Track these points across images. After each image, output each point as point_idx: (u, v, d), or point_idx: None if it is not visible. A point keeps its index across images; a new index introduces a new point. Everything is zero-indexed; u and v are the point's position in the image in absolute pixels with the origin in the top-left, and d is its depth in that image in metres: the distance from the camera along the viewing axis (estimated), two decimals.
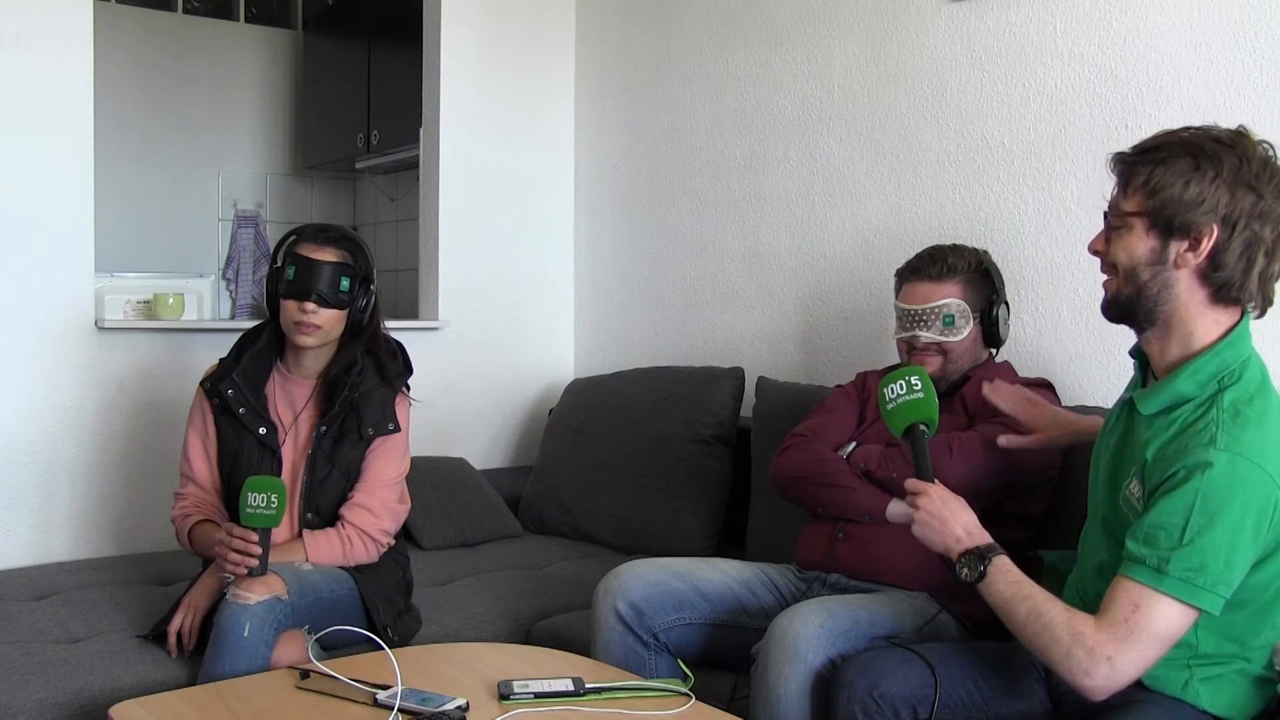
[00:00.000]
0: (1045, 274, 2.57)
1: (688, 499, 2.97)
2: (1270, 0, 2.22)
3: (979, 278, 2.30)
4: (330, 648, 2.17)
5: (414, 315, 3.79)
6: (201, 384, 2.35)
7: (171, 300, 3.37)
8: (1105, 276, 1.70)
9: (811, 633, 1.82)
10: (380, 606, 2.25)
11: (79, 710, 2.03)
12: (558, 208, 3.85)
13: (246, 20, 5.42)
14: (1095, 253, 1.71)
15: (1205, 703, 1.60)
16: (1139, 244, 1.63)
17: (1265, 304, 1.63)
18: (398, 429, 2.33)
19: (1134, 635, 1.50)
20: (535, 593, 2.66)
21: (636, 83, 3.64)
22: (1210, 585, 1.49)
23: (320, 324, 2.24)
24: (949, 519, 1.72)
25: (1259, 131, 2.23)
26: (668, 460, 3.02)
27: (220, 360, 2.36)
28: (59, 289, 2.92)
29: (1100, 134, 2.46)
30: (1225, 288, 1.59)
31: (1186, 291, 1.61)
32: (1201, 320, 1.62)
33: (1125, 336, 2.41)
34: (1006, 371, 2.34)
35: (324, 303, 2.22)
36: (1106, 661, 1.49)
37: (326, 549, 2.24)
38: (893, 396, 1.86)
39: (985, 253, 2.36)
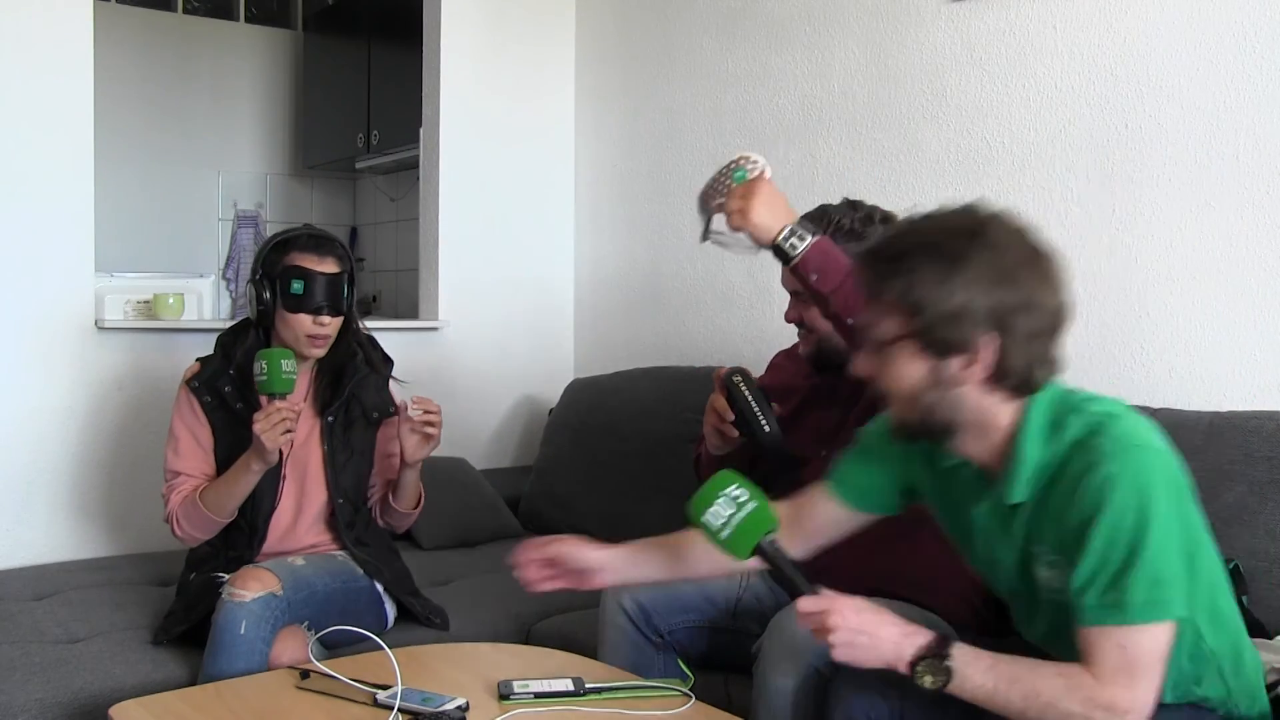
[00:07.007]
0: None
1: (688, 499, 2.96)
2: (1270, 0, 2.22)
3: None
4: (331, 646, 2.17)
5: (414, 315, 3.78)
6: (188, 384, 2.34)
7: (171, 300, 3.37)
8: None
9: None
10: (414, 602, 2.36)
11: (79, 710, 2.04)
12: (558, 208, 3.84)
13: (246, 20, 5.41)
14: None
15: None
16: (912, 368, 1.48)
17: (1060, 370, 1.51)
18: (397, 411, 2.41)
19: (1136, 670, 1.40)
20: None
21: (636, 83, 3.64)
22: (1173, 595, 1.40)
23: (330, 333, 2.31)
24: (875, 629, 1.49)
25: (1260, 132, 2.24)
26: (668, 460, 3.01)
27: (200, 360, 2.36)
28: (59, 289, 2.91)
29: (1100, 134, 2.46)
30: (1022, 385, 1.48)
31: (978, 398, 1.48)
32: (1005, 411, 1.50)
33: (1124, 336, 2.43)
34: None
35: (335, 313, 2.29)
36: (1130, 713, 1.40)
37: (414, 491, 2.41)
38: (720, 523, 1.57)
39: (888, 212, 2.05)
